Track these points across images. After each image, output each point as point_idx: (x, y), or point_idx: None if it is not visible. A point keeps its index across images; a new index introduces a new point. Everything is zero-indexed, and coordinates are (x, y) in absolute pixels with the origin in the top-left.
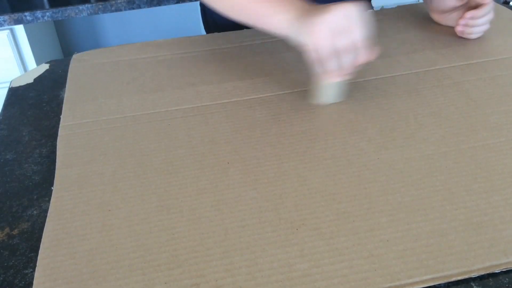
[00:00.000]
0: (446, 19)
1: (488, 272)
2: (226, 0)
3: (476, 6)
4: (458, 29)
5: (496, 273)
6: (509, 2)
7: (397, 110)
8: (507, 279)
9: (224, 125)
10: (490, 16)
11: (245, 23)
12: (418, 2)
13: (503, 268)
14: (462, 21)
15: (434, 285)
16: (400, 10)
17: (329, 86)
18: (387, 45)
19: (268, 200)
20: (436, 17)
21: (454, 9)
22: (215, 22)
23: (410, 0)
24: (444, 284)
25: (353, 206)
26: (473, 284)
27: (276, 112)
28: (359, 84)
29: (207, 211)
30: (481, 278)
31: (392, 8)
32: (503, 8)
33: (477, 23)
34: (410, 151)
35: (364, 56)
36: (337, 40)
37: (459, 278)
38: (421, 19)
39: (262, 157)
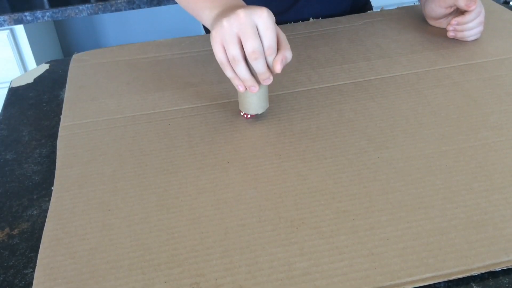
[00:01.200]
0: (440, 24)
1: (488, 270)
2: None
3: (464, 12)
4: (449, 34)
5: (496, 273)
6: (509, 2)
7: (397, 110)
8: (507, 279)
9: (224, 125)
10: (480, 19)
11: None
12: (417, 3)
13: (503, 266)
14: (449, 27)
15: (434, 284)
16: (400, 11)
17: (246, 95)
18: (387, 45)
19: (268, 199)
20: (430, 22)
21: (445, 15)
22: None
23: (410, 0)
24: (444, 283)
25: (353, 204)
26: (473, 284)
27: (276, 112)
28: (359, 84)
29: (207, 211)
30: (481, 278)
31: (392, 9)
32: (503, 9)
33: (465, 28)
34: (410, 150)
35: (278, 62)
36: (229, 47)
37: (459, 276)
38: (421, 20)
39: (262, 157)
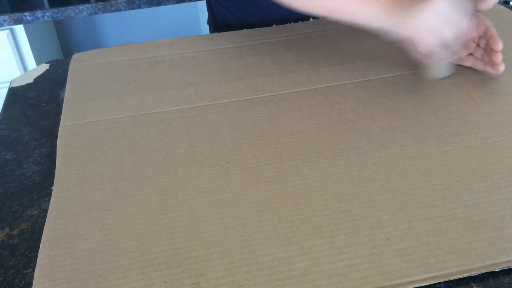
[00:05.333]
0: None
1: (488, 270)
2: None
3: (485, 33)
4: (500, 68)
5: (497, 273)
6: (509, 2)
7: (397, 110)
8: (507, 279)
9: (224, 125)
10: None
11: (332, 19)
12: None
13: (503, 266)
14: (498, 58)
15: (434, 284)
16: None
17: (439, 66)
18: (387, 45)
19: (268, 199)
20: None
21: None
22: (227, 22)
23: None
24: (444, 283)
25: (353, 205)
26: (473, 284)
27: (276, 112)
28: (359, 84)
29: (207, 210)
30: (481, 278)
31: None
32: (503, 8)
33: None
34: (410, 150)
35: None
36: (442, 32)
37: (459, 276)
38: None
39: (262, 157)
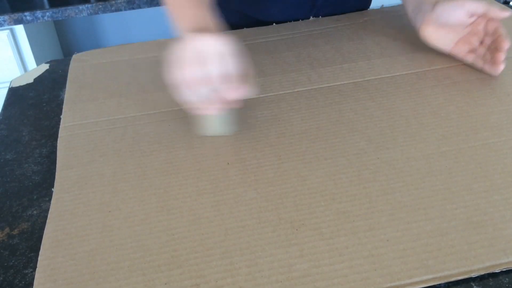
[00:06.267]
0: (438, 38)
1: (488, 271)
2: None
3: (494, 32)
4: (499, 68)
5: (496, 273)
6: (509, 2)
7: (397, 110)
8: (507, 279)
9: None
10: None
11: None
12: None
13: (503, 267)
14: (501, 57)
15: (434, 285)
16: (400, 9)
17: (208, 118)
18: (387, 44)
19: (268, 200)
20: (427, 33)
21: (454, 28)
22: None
23: None
24: (444, 284)
25: (353, 206)
26: (473, 284)
27: (276, 112)
28: (359, 84)
29: (207, 212)
30: (481, 278)
31: (392, 7)
32: (503, 7)
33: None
34: (410, 151)
35: (233, 91)
36: (187, 71)
37: (459, 278)
38: None
39: (262, 157)
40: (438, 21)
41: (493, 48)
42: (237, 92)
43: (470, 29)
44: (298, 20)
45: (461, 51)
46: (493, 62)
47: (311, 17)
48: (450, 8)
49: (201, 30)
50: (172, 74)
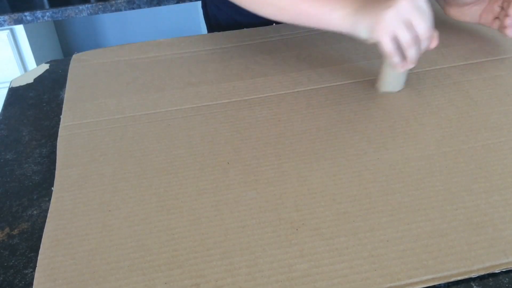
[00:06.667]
0: (464, 14)
1: (488, 272)
2: (271, 4)
3: None
4: (509, 32)
5: (496, 273)
6: None
7: (397, 110)
8: (507, 279)
9: (224, 125)
10: None
11: (294, 24)
12: None
13: (503, 268)
14: (510, 20)
15: (434, 285)
16: None
17: (393, 75)
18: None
19: (268, 200)
20: (452, 12)
21: (475, 2)
22: (218, 22)
23: None
24: (444, 284)
25: (353, 206)
26: (473, 284)
27: (276, 112)
28: (359, 84)
29: (207, 212)
30: (481, 278)
31: None
32: None
33: None
34: (410, 151)
35: (426, 45)
36: (401, 34)
37: (459, 278)
38: None
39: (262, 157)
40: (455, 2)
41: (504, 15)
42: (433, 43)
43: None
44: None
45: (488, 20)
46: (502, 27)
47: None
48: None
49: (369, 3)
50: (387, 44)
